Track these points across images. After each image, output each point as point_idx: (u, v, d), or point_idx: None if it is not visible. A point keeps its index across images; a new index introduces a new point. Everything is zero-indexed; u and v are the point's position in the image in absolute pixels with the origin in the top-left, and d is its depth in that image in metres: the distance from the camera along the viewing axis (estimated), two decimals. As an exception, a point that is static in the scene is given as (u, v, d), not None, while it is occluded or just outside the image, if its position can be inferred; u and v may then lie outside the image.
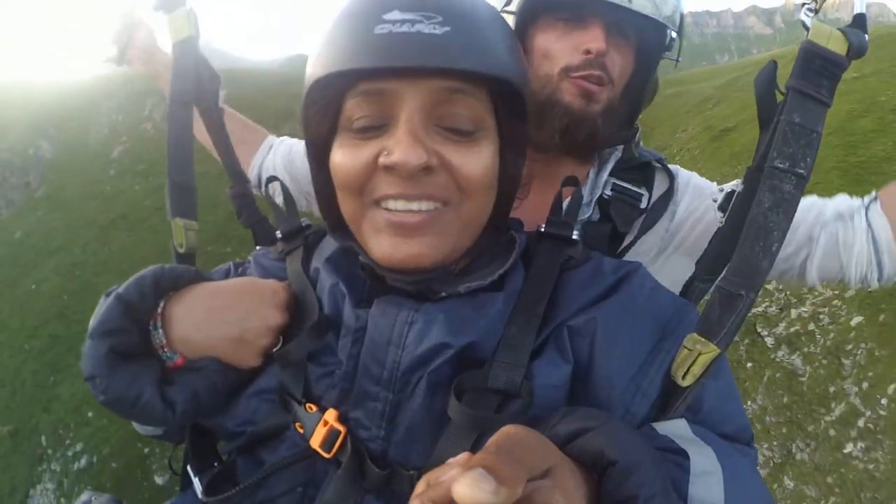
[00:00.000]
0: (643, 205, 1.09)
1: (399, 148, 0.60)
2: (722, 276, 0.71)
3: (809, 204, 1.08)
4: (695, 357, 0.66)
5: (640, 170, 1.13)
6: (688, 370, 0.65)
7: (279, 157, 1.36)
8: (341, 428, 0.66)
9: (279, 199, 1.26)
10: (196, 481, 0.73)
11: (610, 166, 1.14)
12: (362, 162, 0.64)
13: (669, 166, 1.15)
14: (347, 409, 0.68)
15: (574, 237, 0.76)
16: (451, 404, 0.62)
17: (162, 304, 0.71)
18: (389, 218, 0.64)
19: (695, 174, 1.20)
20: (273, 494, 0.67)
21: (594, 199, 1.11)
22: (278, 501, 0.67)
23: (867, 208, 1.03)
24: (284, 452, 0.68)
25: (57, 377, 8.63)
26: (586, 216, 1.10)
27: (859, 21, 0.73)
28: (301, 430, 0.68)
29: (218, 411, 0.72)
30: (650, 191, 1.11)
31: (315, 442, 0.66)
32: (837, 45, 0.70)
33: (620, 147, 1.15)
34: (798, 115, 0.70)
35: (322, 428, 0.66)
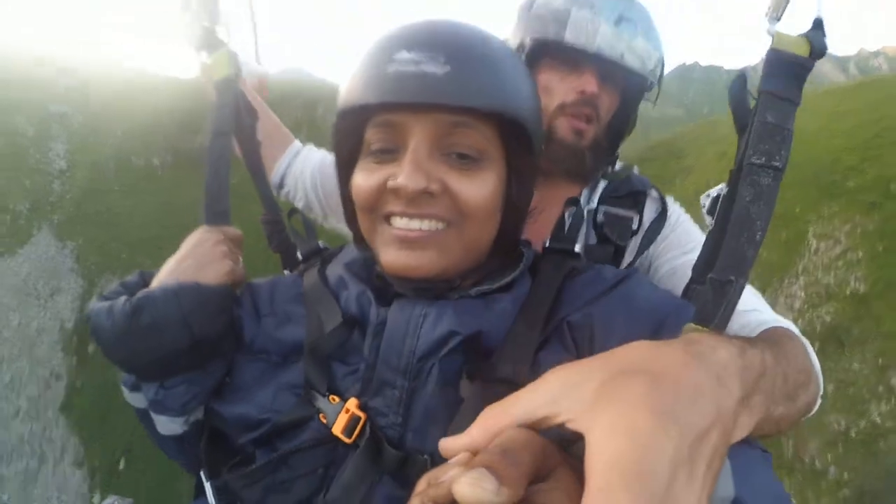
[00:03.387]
0: (634, 226, 1.12)
1: (402, 174, 0.63)
2: (713, 270, 0.67)
3: (744, 313, 0.93)
4: None
5: (629, 197, 1.16)
6: None
7: (309, 166, 1.36)
8: (362, 415, 0.66)
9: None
10: (207, 487, 0.72)
11: (600, 189, 1.17)
12: (375, 184, 0.67)
13: (663, 195, 1.17)
14: (367, 398, 0.68)
15: (577, 251, 0.76)
16: (463, 384, 0.63)
17: None
18: (395, 233, 0.67)
19: (686, 216, 1.18)
20: (294, 475, 0.67)
21: (587, 217, 1.14)
22: (299, 482, 0.67)
23: None
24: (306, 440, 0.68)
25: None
26: (584, 238, 1.13)
27: (818, 24, 0.73)
28: (324, 420, 0.68)
29: (218, 332, 0.75)
30: (640, 213, 1.14)
31: (337, 429, 0.66)
32: (800, 49, 0.71)
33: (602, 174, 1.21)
34: (770, 114, 0.69)
35: (344, 415, 0.66)
